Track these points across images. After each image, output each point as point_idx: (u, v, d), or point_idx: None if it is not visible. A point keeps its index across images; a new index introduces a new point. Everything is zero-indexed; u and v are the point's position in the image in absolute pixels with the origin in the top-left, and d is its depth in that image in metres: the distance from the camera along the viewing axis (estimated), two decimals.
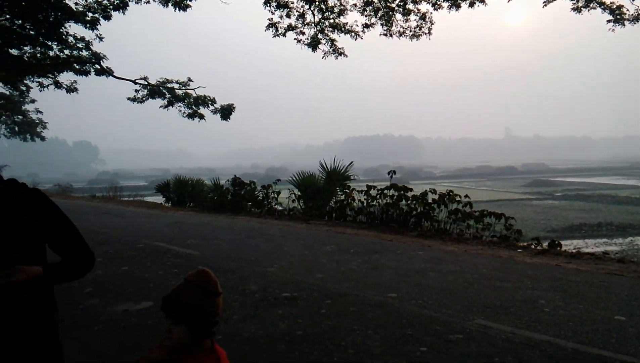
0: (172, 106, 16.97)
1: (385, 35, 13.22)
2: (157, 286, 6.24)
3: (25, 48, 14.22)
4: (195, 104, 17.02)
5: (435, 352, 4.02)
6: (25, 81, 18.08)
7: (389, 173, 12.55)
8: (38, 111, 24.64)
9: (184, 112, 17.18)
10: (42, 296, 1.75)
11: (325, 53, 13.89)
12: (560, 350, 4.04)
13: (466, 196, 11.11)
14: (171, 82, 16.77)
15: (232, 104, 17.23)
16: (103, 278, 6.68)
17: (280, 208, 15.72)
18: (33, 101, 23.38)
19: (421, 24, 12.90)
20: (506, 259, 7.85)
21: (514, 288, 5.98)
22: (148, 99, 16.81)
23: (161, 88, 16.71)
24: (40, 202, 1.81)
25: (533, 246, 9.08)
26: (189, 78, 16.95)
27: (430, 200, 11.44)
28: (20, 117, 24.34)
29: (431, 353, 3.99)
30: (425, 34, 13.03)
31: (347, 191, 13.78)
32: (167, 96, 16.81)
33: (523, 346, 4.13)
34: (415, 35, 13.09)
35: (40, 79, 16.29)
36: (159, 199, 21.76)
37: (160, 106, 16.93)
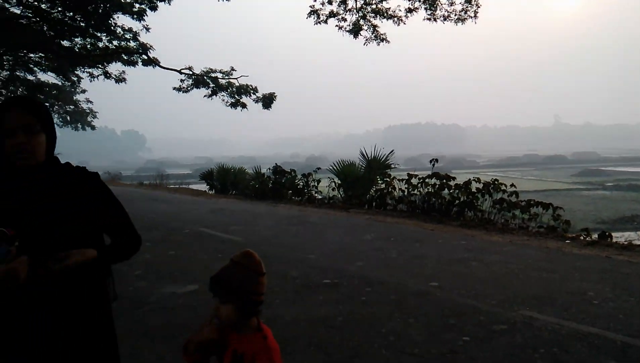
0: (216, 96, 17.25)
1: (429, 19, 12.91)
2: (202, 270, 6.41)
3: (76, 40, 14.77)
4: (237, 93, 17.23)
5: (478, 342, 3.96)
6: (76, 72, 18.80)
7: (430, 161, 12.34)
8: (88, 101, 25.65)
9: (226, 102, 17.45)
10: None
11: (366, 40, 13.74)
12: (609, 343, 3.90)
13: (512, 185, 10.81)
14: (215, 71, 17.03)
15: (274, 93, 17.35)
16: (152, 262, 6.93)
17: (320, 196, 15.80)
18: (84, 91, 24.30)
19: (467, 7, 12.51)
20: (553, 250, 7.61)
21: (561, 279, 5.80)
22: (193, 88, 17.14)
23: (205, 78, 17.00)
24: (97, 185, 1.89)
25: (582, 238, 8.74)
26: (232, 67, 17.15)
27: (474, 189, 11.20)
28: (71, 107, 25.40)
29: (474, 343, 3.94)
30: (471, 17, 12.64)
31: (388, 179, 13.67)
32: (211, 85, 17.08)
33: (570, 338, 4.01)
34: (461, 20, 12.72)
35: (90, 70, 16.90)
36: (203, 186, 22.33)
37: (204, 96, 17.25)
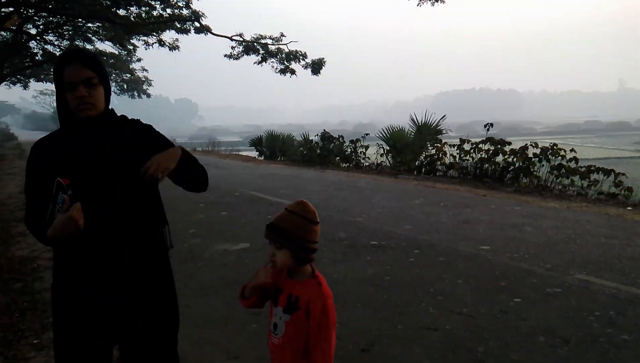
0: (265, 62, 17.30)
1: None
2: (252, 230, 6.60)
3: (131, 8, 15.10)
4: (287, 60, 17.21)
5: (531, 304, 3.88)
6: (132, 40, 19.31)
7: (485, 126, 11.92)
8: (144, 69, 26.42)
9: (276, 68, 17.48)
10: None
11: (420, 0, 13.18)
12: None
13: (572, 150, 10.31)
14: (264, 38, 17.03)
15: (323, 59, 17.20)
16: (205, 221, 7.19)
17: (368, 162, 15.71)
18: (139, 60, 25.00)
19: None
20: (614, 216, 7.26)
21: (621, 245, 5.54)
22: (243, 55, 17.26)
23: (255, 44, 17.05)
24: (154, 131, 1.96)
25: None
26: (282, 33, 17.08)
27: (530, 155, 10.77)
28: (128, 75, 26.28)
29: (526, 304, 3.86)
30: None
31: (439, 145, 13.37)
32: (261, 52, 17.13)
33: (628, 302, 3.86)
34: None
35: (145, 38, 17.30)
36: (253, 153, 22.73)
37: (254, 62, 17.34)
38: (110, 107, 1.88)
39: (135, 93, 27.94)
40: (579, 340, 3.25)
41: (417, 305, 3.91)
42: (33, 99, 66.52)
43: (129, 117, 1.98)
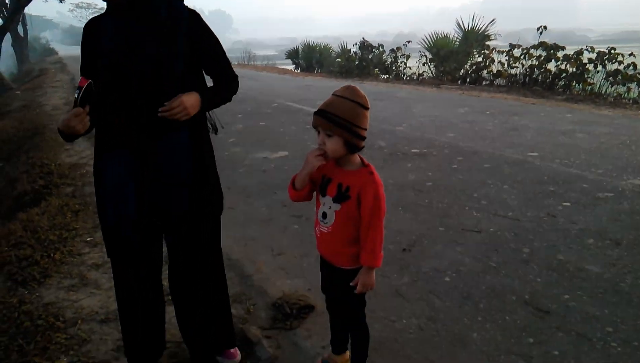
0: None
1: None
2: (291, 138, 6.56)
3: None
4: None
5: (581, 207, 3.74)
6: None
7: (538, 29, 11.05)
8: None
9: None
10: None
11: None
12: None
13: (631, 54, 9.52)
14: None
15: None
16: (244, 131, 7.19)
17: (409, 73, 15.07)
18: None
19: None
20: None
21: None
22: None
23: None
24: (198, 22, 1.80)
25: None
26: None
27: (585, 60, 10.03)
28: None
29: (575, 208, 3.73)
30: None
31: (486, 52, 12.60)
32: None
33: None
34: None
35: None
36: (289, 65, 22.23)
37: None
38: None
39: None
40: (630, 242, 3.14)
41: (460, 209, 3.85)
42: (70, 13, 66.24)
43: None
